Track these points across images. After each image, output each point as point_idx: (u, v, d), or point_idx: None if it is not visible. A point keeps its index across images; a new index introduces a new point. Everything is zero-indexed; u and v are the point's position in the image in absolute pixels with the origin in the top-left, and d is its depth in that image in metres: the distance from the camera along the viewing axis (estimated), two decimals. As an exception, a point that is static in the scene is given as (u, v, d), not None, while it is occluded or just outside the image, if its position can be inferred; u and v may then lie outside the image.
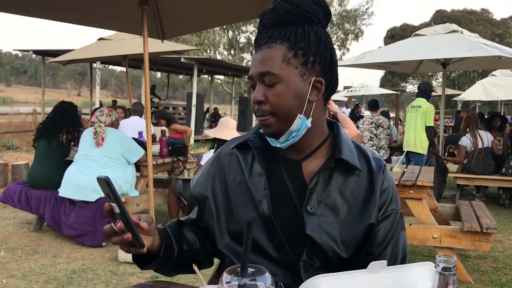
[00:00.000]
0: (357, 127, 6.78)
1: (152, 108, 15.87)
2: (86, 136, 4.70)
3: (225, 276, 0.78)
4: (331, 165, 1.12)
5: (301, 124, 1.07)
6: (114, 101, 19.23)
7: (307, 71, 1.06)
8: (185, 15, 4.85)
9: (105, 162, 4.57)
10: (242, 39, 29.20)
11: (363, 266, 0.89)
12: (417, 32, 7.15)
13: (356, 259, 1.11)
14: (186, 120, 15.16)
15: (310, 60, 1.05)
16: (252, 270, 0.80)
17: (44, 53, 15.37)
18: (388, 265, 0.88)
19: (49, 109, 5.56)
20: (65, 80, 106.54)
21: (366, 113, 24.29)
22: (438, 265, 0.75)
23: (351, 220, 1.10)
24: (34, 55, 16.28)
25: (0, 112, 18.41)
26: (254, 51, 1.08)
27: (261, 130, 1.19)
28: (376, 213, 1.12)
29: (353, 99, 22.77)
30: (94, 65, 14.35)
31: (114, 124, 4.84)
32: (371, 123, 6.94)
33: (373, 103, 7.33)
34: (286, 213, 1.10)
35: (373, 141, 6.86)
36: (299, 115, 1.07)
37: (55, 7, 4.30)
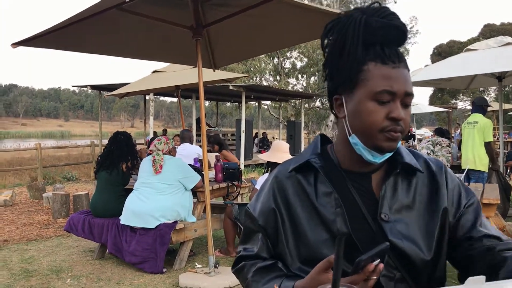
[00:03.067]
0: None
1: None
2: (145, 165, 4.80)
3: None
4: (397, 171, 1.13)
5: (398, 143, 1.11)
6: (165, 130, 19.75)
7: None
8: (235, 44, 4.98)
9: (164, 189, 4.64)
10: (287, 64, 29.54)
11: (451, 260, 1.00)
12: (469, 47, 6.95)
13: (439, 258, 1.11)
14: (236, 145, 15.25)
15: None
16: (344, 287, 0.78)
17: (101, 88, 16.09)
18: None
19: (105, 141, 5.78)
20: (118, 113, 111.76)
21: (419, 131, 23.91)
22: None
23: (425, 220, 1.11)
24: (90, 91, 17.04)
25: (59, 146, 19.26)
26: (377, 63, 1.04)
27: (317, 150, 1.21)
28: (447, 200, 1.14)
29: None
30: (147, 97, 14.84)
31: (172, 152, 4.93)
32: (429, 141, 7.04)
33: (439, 131, 7.50)
34: (361, 228, 1.09)
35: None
36: None
37: (111, 43, 4.50)
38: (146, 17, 3.93)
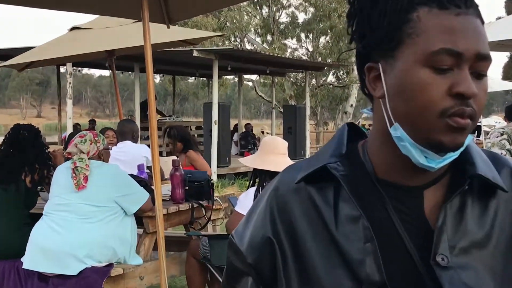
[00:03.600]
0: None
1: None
2: (61, 176, 4.37)
3: None
4: (465, 186, 0.99)
5: (467, 139, 0.98)
6: (92, 121, 17.79)
7: None
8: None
9: (91, 213, 4.22)
10: (283, 17, 27.33)
11: None
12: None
13: None
14: (204, 145, 13.34)
15: None
16: None
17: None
18: None
19: None
20: (17, 94, 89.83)
21: (487, 121, 20.59)
22: None
23: (506, 266, 0.98)
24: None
25: None
26: (432, 6, 0.90)
27: (341, 151, 1.07)
28: None
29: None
30: (62, 69, 13.23)
31: (103, 156, 4.56)
32: (502, 134, 6.38)
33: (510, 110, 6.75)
34: (403, 276, 0.97)
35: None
36: None
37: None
38: None
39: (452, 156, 0.94)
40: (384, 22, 0.92)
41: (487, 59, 0.90)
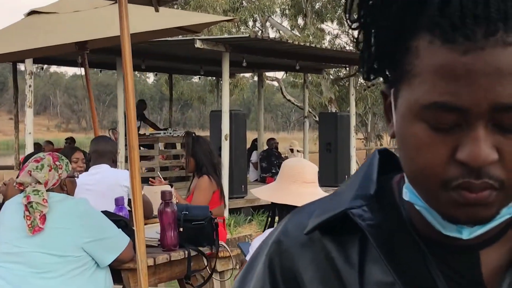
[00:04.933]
0: None
1: (141, 148, 12.28)
2: (10, 215, 3.97)
3: None
4: None
5: None
6: (70, 140, 14.71)
7: None
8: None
9: (51, 266, 3.82)
10: None
11: None
12: None
13: None
14: None
15: None
16: None
17: None
18: None
19: None
20: None
21: None
22: None
23: None
24: None
25: None
26: (435, 36, 0.70)
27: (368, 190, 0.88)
28: None
29: None
30: (22, 67, 11.98)
31: (67, 186, 4.07)
32: None
33: None
34: None
35: None
36: None
37: None
38: None
39: (486, 225, 0.78)
40: (385, 46, 0.76)
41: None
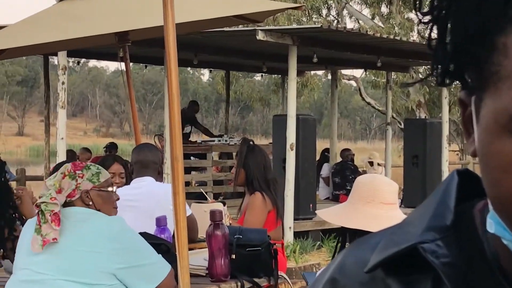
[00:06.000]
0: None
1: (192, 158, 11.83)
2: (27, 235, 3.81)
3: None
4: None
5: None
6: (111, 146, 13.42)
7: None
8: None
9: None
10: None
11: None
12: None
13: None
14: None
15: None
16: None
17: None
18: None
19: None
20: None
21: None
22: None
23: None
24: None
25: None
26: None
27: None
28: None
29: None
30: (55, 60, 11.36)
31: (93, 200, 3.85)
32: None
33: None
34: None
35: None
36: None
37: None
38: None
39: None
40: (465, 43, 0.69)
41: None
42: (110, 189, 3.94)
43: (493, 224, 0.71)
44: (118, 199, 4.01)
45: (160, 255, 3.78)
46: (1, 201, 4.27)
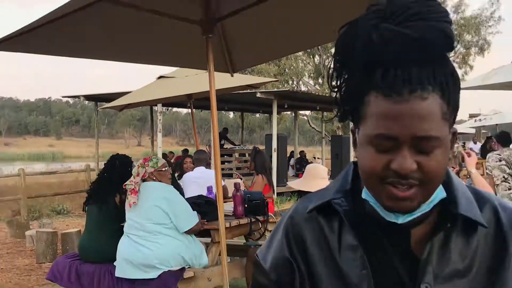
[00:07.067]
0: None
1: (225, 156, 16.42)
2: (126, 202, 4.81)
3: None
4: (447, 225, 1.06)
5: (437, 194, 1.04)
6: (185, 150, 18.47)
7: (451, 123, 1.01)
8: (259, 41, 5.00)
9: (157, 230, 4.63)
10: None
11: None
12: None
13: None
14: None
15: (455, 107, 1.01)
16: None
17: (96, 99, 16.34)
18: None
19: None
20: (122, 128, 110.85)
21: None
22: None
23: None
24: (87, 102, 17.36)
25: (49, 171, 19.60)
26: (378, 93, 0.96)
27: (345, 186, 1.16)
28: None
29: (483, 130, 21.85)
30: (155, 108, 14.97)
31: (156, 177, 4.82)
32: (500, 160, 6.70)
33: (505, 137, 7.23)
34: None
35: (509, 182, 6.56)
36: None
37: (104, 44, 4.62)
38: (144, 10, 3.96)
39: (414, 215, 1.01)
40: (348, 97, 1.02)
41: (427, 140, 0.95)
42: (164, 169, 4.87)
43: (364, 193, 1.03)
44: (170, 173, 4.98)
45: (194, 211, 4.83)
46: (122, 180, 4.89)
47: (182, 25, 4.19)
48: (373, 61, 0.95)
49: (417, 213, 1.01)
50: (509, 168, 6.54)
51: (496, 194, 6.00)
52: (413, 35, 0.92)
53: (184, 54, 5.11)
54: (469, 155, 4.09)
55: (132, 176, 4.71)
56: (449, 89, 0.97)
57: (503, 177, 6.55)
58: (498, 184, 6.51)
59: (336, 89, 1.03)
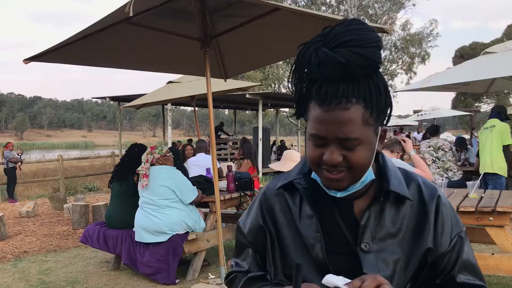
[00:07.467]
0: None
1: (221, 144, 16.43)
2: (139, 183, 4.80)
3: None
4: (381, 198, 1.10)
5: (367, 176, 1.06)
6: (190, 140, 19.06)
7: (378, 124, 1.03)
8: (245, 54, 5.02)
9: (166, 204, 4.62)
10: None
11: None
12: (487, 50, 6.81)
13: None
14: None
15: (381, 112, 1.02)
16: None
17: (119, 99, 16.39)
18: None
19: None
20: (140, 122, 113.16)
21: (442, 136, 23.25)
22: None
23: (406, 254, 1.09)
24: (111, 102, 17.31)
25: (82, 156, 19.64)
26: (316, 102, 0.99)
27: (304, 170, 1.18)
28: (432, 239, 1.11)
29: (424, 123, 22.01)
30: (166, 106, 15.02)
31: (162, 161, 4.77)
32: (429, 146, 7.07)
33: (433, 128, 7.55)
34: (341, 255, 1.09)
35: (437, 163, 6.93)
36: (370, 168, 1.06)
37: (123, 56, 4.65)
38: (155, 29, 3.99)
39: (350, 191, 1.06)
40: (299, 103, 1.04)
41: (348, 140, 0.98)
42: (168, 154, 4.82)
43: (313, 174, 1.07)
44: (173, 157, 4.86)
45: (194, 186, 4.78)
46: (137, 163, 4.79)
47: (185, 41, 4.25)
48: (313, 76, 0.98)
49: (352, 190, 1.05)
50: (435, 153, 6.78)
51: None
52: (340, 59, 0.93)
53: (186, 64, 5.11)
54: (404, 141, 4.05)
55: (143, 163, 4.65)
56: (372, 100, 0.98)
57: (432, 159, 6.81)
58: (429, 164, 6.74)
59: (294, 93, 1.05)
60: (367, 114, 0.98)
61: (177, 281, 4.67)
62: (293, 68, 1.02)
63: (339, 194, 1.05)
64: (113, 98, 16.39)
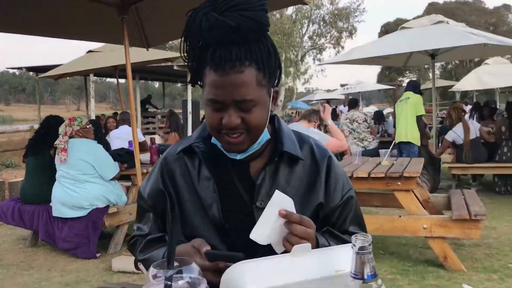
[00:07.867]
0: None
1: (149, 117, 16.02)
2: (57, 156, 4.61)
3: (152, 270, 0.79)
4: (275, 159, 1.15)
5: (263, 137, 1.11)
6: (115, 113, 18.63)
7: (270, 85, 1.07)
8: (169, 20, 4.77)
9: (84, 179, 4.51)
10: None
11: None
12: (404, 25, 7.18)
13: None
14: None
15: (272, 74, 1.07)
16: (178, 263, 0.81)
17: (37, 70, 15.39)
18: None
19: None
20: (63, 95, 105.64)
21: (367, 109, 24.02)
22: (355, 245, 0.76)
23: (300, 206, 1.13)
24: (30, 73, 16.29)
25: (-1, 131, 18.50)
26: (210, 67, 1.01)
27: (203, 135, 1.22)
28: (323, 194, 1.18)
29: (350, 97, 22.78)
30: (89, 78, 14.30)
31: (82, 134, 4.64)
32: (346, 119, 7.62)
33: (352, 101, 8.16)
34: (238, 214, 1.14)
35: (353, 134, 7.44)
36: (265, 129, 1.10)
37: (36, 23, 4.36)
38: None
39: (248, 152, 1.11)
40: (194, 70, 1.06)
41: (244, 102, 1.02)
42: (88, 126, 4.67)
43: (212, 139, 1.12)
44: (93, 129, 4.73)
45: (115, 162, 4.68)
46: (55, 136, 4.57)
47: (100, 6, 4.06)
48: (205, 41, 1.00)
49: (250, 151, 1.11)
50: (351, 124, 7.28)
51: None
52: (230, 22, 0.96)
53: (106, 32, 4.87)
54: (323, 109, 4.15)
55: (60, 136, 4.49)
56: (264, 62, 1.02)
57: (348, 131, 7.29)
58: (347, 136, 7.16)
59: (187, 61, 1.06)
60: (260, 76, 1.02)
61: (98, 254, 4.62)
62: (184, 35, 1.03)
63: (238, 156, 1.10)
64: (30, 69, 15.42)
